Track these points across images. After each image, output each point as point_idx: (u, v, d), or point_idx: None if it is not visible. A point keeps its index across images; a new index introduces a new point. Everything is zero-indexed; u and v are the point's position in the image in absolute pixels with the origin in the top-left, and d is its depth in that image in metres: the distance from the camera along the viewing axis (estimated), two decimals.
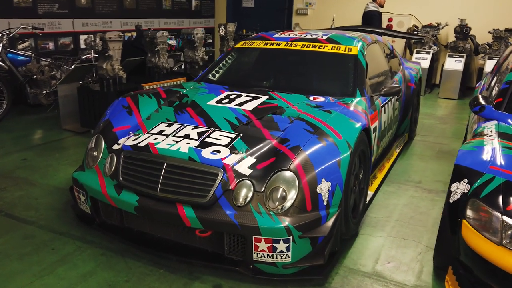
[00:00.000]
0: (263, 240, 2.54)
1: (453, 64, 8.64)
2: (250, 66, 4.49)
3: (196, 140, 2.93)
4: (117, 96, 5.10)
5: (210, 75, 4.43)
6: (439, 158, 5.02)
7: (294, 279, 2.67)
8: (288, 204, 2.59)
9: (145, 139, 3.04)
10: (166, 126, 3.18)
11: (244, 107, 3.39)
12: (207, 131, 3.03)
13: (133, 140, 3.07)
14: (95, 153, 3.20)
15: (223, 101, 3.53)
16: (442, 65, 9.00)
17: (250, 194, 2.63)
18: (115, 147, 3.13)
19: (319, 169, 2.67)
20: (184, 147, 2.86)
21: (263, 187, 2.64)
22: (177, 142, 2.92)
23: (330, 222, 2.67)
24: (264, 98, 3.57)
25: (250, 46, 4.53)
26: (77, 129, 5.71)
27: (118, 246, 3.00)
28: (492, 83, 4.16)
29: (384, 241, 3.17)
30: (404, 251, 3.05)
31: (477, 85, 5.49)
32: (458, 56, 8.91)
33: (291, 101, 3.51)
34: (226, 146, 2.85)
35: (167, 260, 2.86)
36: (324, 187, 2.65)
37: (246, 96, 3.61)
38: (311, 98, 3.63)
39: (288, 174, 2.63)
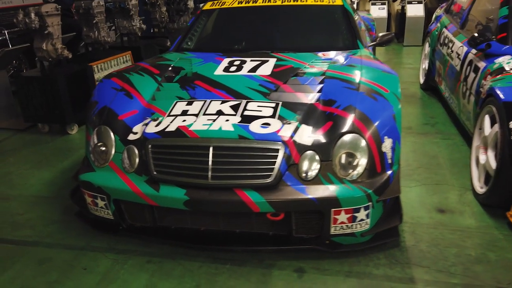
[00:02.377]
0: (343, 211, 2.35)
1: (415, 10, 8.74)
2: (232, 28, 4.10)
3: (235, 115, 2.58)
4: (67, 81, 4.41)
5: (187, 43, 3.97)
6: (409, 103, 5.16)
7: (370, 246, 2.54)
8: (360, 169, 2.41)
9: (171, 122, 2.60)
10: (186, 104, 2.76)
11: (259, 73, 3.07)
12: (239, 103, 2.69)
13: (156, 126, 2.61)
14: (104, 148, 2.69)
15: (231, 69, 3.17)
16: (397, 14, 9.16)
17: (317, 165, 2.40)
18: (132, 137, 2.66)
19: (380, 127, 2.51)
20: (226, 125, 2.50)
21: (329, 155, 2.42)
22: (214, 120, 2.55)
23: (396, 180, 2.55)
24: (273, 60, 3.27)
25: (222, 6, 4.13)
26: (18, 126, 4.85)
27: (160, 250, 2.61)
28: (468, 21, 4.29)
29: (421, 190, 3.17)
30: (446, 196, 3.08)
31: (431, 27, 5.67)
32: (380, 4, 9.20)
33: (302, 60, 3.27)
34: (272, 117, 2.55)
35: (224, 253, 2.54)
36: (387, 145, 2.51)
37: (252, 61, 3.28)
38: (320, 54, 3.41)
39: (354, 137, 2.44)
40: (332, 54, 3.42)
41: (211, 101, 2.75)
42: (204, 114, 2.63)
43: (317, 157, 2.41)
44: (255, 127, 2.48)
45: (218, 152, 2.41)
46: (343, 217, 2.36)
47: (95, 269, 2.45)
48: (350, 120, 2.49)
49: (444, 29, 4.92)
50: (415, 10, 8.86)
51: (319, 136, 2.46)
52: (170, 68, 3.31)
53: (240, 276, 2.36)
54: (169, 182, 2.47)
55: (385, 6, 9.11)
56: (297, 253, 2.52)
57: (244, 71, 3.12)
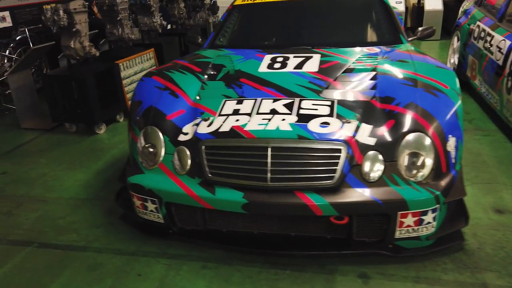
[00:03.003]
0: (410, 214, 2.25)
1: (433, 4, 8.62)
2: (267, 23, 3.98)
3: (290, 114, 2.48)
4: (96, 80, 4.31)
5: (220, 39, 3.86)
6: None
7: (434, 251, 2.44)
8: (426, 169, 2.31)
9: (224, 122, 2.50)
10: (236, 103, 2.66)
11: (306, 69, 2.97)
12: (292, 101, 2.58)
13: (208, 126, 2.52)
14: (153, 150, 2.59)
15: (275, 66, 3.06)
16: (413, 8, 9.02)
17: (381, 166, 2.30)
18: (182, 138, 2.56)
19: (444, 125, 2.41)
20: (283, 124, 2.40)
21: (394, 155, 2.31)
22: (269, 120, 2.45)
23: (460, 181, 2.45)
24: (317, 56, 3.16)
25: (255, 1, 4.02)
26: (44, 126, 4.76)
27: (213, 254, 2.52)
28: (508, 15, 4.16)
29: (473, 190, 3.06)
30: (500, 196, 2.97)
31: (460, 21, 5.54)
32: None
33: (348, 56, 3.16)
34: (330, 115, 2.45)
35: (281, 258, 2.45)
36: (451, 144, 2.41)
37: (295, 57, 3.17)
38: (365, 49, 3.30)
39: (419, 135, 2.34)
40: (377, 49, 3.31)
41: (262, 99, 2.65)
42: (258, 113, 2.53)
43: (380, 157, 2.31)
44: (314, 126, 2.38)
45: (277, 153, 2.31)
46: (409, 220, 2.26)
47: (150, 275, 2.36)
48: (413, 118, 2.39)
49: (478, 23, 4.80)
50: (433, 4, 8.72)
51: (382, 136, 2.36)
52: (210, 66, 3.21)
53: (303, 283, 2.26)
54: (225, 185, 2.37)
55: (402, 0, 8.97)
56: (357, 257, 2.42)
57: (290, 68, 3.02)
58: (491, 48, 4.20)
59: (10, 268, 2.48)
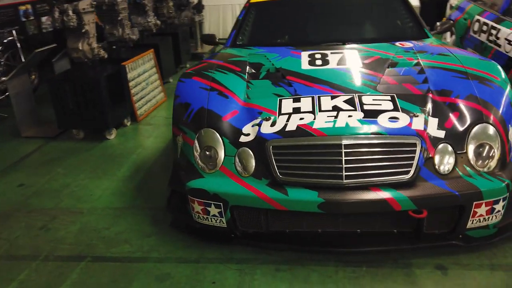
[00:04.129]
0: (483, 204, 2.29)
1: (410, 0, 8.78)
2: (291, 20, 3.91)
3: (355, 110, 2.46)
4: (108, 83, 4.12)
5: (241, 38, 3.79)
6: None
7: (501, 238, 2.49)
8: (495, 159, 2.36)
9: (287, 121, 2.45)
10: (294, 101, 2.61)
11: (350, 65, 2.97)
12: (352, 97, 2.57)
13: (271, 126, 2.46)
14: (210, 152, 2.50)
15: (317, 63, 3.04)
16: None
17: (453, 158, 2.33)
18: (243, 139, 2.49)
19: (505, 115, 2.48)
20: (351, 121, 2.38)
21: (463, 147, 2.35)
22: (335, 117, 2.42)
23: None
24: (355, 52, 3.17)
25: None
26: (47, 133, 4.50)
27: (280, 256, 2.47)
28: None
29: None
30: None
31: (453, 16, 5.73)
32: None
33: (384, 50, 3.19)
34: (395, 110, 2.45)
35: (349, 256, 2.43)
36: (511, 133, 2.48)
37: (332, 53, 3.17)
38: (397, 44, 3.34)
39: (485, 126, 2.39)
40: (409, 43, 3.35)
41: (319, 96, 2.62)
42: (321, 111, 2.49)
43: (451, 150, 2.34)
44: (383, 121, 2.37)
45: (351, 150, 2.30)
46: (482, 210, 2.31)
47: (224, 282, 2.28)
48: (477, 109, 2.44)
49: (477, 17, 4.97)
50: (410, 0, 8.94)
51: (450, 128, 2.40)
52: (248, 65, 3.13)
53: (384, 278, 2.26)
54: (296, 185, 2.33)
55: None
56: (428, 249, 2.43)
57: (333, 64, 3.01)
58: (497, 41, 4.36)
59: (69, 286, 2.32)
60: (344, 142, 2.30)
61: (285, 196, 2.31)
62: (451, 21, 3.84)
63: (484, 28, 4.73)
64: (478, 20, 4.93)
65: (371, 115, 2.42)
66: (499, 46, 4.29)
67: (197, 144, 2.56)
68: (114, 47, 4.96)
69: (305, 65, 3.04)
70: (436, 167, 2.32)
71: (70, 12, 3.87)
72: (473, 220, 2.34)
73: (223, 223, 2.50)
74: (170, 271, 2.39)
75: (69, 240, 2.72)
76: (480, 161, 2.35)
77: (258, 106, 2.65)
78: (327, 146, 2.32)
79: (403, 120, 2.38)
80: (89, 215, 2.99)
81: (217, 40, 4.02)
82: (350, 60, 3.04)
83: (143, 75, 5.04)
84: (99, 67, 4.39)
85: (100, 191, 3.32)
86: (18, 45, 5.42)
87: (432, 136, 2.35)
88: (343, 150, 2.29)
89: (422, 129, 2.34)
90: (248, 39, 3.82)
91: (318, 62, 3.07)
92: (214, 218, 2.50)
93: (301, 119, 2.46)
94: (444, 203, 2.28)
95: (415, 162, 2.27)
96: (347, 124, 2.37)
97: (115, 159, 3.87)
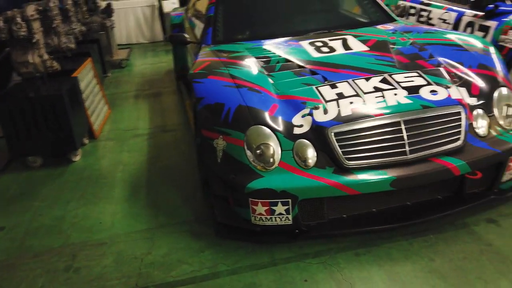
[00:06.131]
0: None
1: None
2: (269, 11, 3.85)
3: (396, 88, 2.56)
4: (71, 98, 3.64)
5: (222, 34, 3.65)
6: None
7: None
8: None
9: (339, 107, 2.46)
10: (332, 88, 2.62)
11: (359, 49, 3.08)
12: (384, 78, 2.67)
13: (325, 114, 2.44)
14: (262, 151, 2.39)
15: (324, 50, 3.10)
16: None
17: (486, 121, 2.57)
18: (298, 131, 2.43)
19: (506, 75, 2.81)
20: (400, 98, 2.49)
21: (491, 110, 2.61)
22: (383, 97, 2.50)
23: None
24: (350, 37, 3.29)
25: None
26: None
27: (349, 243, 2.51)
28: None
29: None
30: None
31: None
32: None
33: (375, 34, 3.38)
34: (429, 84, 2.61)
35: (411, 228, 2.55)
36: None
37: (331, 40, 3.25)
38: (380, 27, 3.56)
39: (505, 90, 2.69)
40: (389, 26, 3.59)
41: (354, 80, 2.67)
42: (365, 93, 2.54)
43: (483, 113, 2.58)
44: (427, 95, 2.51)
45: (409, 126, 2.40)
46: None
47: (316, 277, 2.23)
48: (491, 76, 2.73)
49: (403, 2, 5.48)
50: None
51: (478, 95, 2.64)
52: (255, 59, 3.04)
53: (455, 241, 2.42)
54: (363, 168, 2.36)
55: None
56: (469, 209, 2.61)
57: (341, 50, 3.09)
58: (430, 21, 4.88)
59: None
60: (403, 118, 2.39)
61: (356, 180, 2.32)
62: (405, 5, 4.18)
63: (412, 11, 5.26)
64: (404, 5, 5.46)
65: (412, 91, 2.55)
66: (434, 26, 4.81)
67: (248, 143, 2.42)
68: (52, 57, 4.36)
69: (314, 53, 3.06)
70: (477, 131, 2.54)
71: (19, 20, 3.31)
72: (508, 174, 2.61)
73: (289, 220, 2.41)
74: (253, 280, 2.24)
75: (113, 274, 2.37)
76: (507, 120, 2.63)
77: (298, 97, 2.60)
78: (387, 125, 2.39)
79: (441, 92, 2.55)
80: (116, 244, 2.63)
81: (188, 40, 3.80)
82: (353, 45, 3.14)
83: (89, 87, 4.54)
84: (50, 81, 3.83)
85: (109, 216, 2.93)
86: None
87: (470, 104, 2.56)
88: (403, 127, 2.38)
89: (461, 98, 2.54)
90: (230, 35, 3.68)
91: (325, 49, 3.11)
92: (279, 217, 2.40)
93: (351, 103, 2.48)
94: (490, 162, 2.51)
95: (463, 129, 2.46)
96: (398, 102, 2.46)
97: (98, 181, 3.44)
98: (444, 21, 4.67)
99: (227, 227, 2.59)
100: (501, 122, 2.62)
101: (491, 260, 2.23)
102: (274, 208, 2.38)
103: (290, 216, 2.40)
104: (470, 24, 4.29)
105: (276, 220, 2.42)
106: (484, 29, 4.10)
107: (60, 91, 3.56)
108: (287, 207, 2.37)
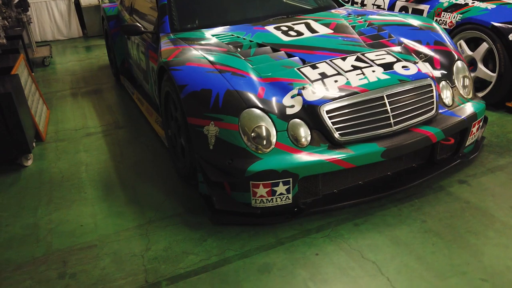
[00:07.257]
0: (476, 124, 2.89)
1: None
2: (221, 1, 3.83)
3: (372, 66, 2.73)
4: (17, 97, 3.32)
5: (175, 23, 3.56)
6: None
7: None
8: (471, 87, 2.97)
9: (325, 85, 2.57)
10: (313, 68, 2.71)
11: (323, 32, 3.22)
12: (357, 56, 2.83)
13: (314, 93, 2.52)
14: (257, 133, 2.42)
15: (291, 34, 3.19)
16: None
17: (450, 91, 2.84)
18: (290, 111, 2.50)
19: (457, 49, 3.11)
20: (378, 74, 2.67)
21: (452, 81, 2.89)
22: (363, 74, 2.65)
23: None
24: (311, 21, 3.42)
25: None
26: None
27: (343, 216, 2.62)
28: None
29: None
30: None
31: None
32: None
33: (332, 17, 3.54)
34: (399, 61, 2.81)
35: (395, 195, 2.74)
36: None
37: (294, 25, 3.34)
38: (334, 11, 3.72)
39: (461, 63, 2.98)
40: (342, 10, 3.77)
41: (331, 60, 2.78)
42: (345, 71, 2.67)
43: (447, 85, 2.84)
44: (400, 70, 2.71)
45: (391, 99, 2.57)
46: (475, 128, 2.91)
47: (325, 250, 2.31)
48: (448, 51, 3.01)
49: None
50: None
51: (439, 68, 2.90)
52: (226, 45, 3.03)
53: (437, 203, 2.64)
54: (354, 142, 2.49)
55: None
56: (439, 173, 2.87)
57: (308, 33, 3.20)
58: (364, 8, 5.18)
59: None
60: (385, 93, 2.55)
61: (351, 154, 2.44)
62: None
63: None
64: None
65: (387, 67, 2.72)
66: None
67: (242, 127, 2.42)
68: None
69: (284, 37, 3.13)
70: (444, 101, 2.79)
71: None
72: (471, 138, 2.91)
73: (289, 199, 2.47)
74: (265, 261, 2.26)
75: (116, 275, 2.24)
76: (465, 90, 2.92)
77: (283, 79, 2.65)
78: (372, 100, 2.54)
79: (412, 67, 2.77)
80: (108, 245, 2.48)
81: (143, 30, 3.65)
82: (317, 28, 3.26)
83: (26, 86, 4.17)
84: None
85: (89, 218, 2.75)
86: None
87: (436, 77, 2.80)
88: (386, 100, 2.55)
89: (430, 71, 2.77)
90: (189, 22, 3.59)
91: (292, 33, 3.19)
92: (280, 197, 2.45)
93: (335, 81, 2.59)
94: (459, 128, 2.78)
95: (434, 100, 2.70)
96: (378, 78, 2.62)
97: (63, 184, 3.19)
98: (378, 6, 4.99)
99: (226, 213, 2.58)
100: (461, 92, 2.90)
101: (474, 215, 2.48)
102: (275, 188, 2.42)
103: (290, 196, 2.45)
104: (404, 8, 4.64)
105: (276, 201, 2.47)
106: (418, 12, 4.46)
107: (7, 89, 3.23)
108: (287, 186, 2.42)
